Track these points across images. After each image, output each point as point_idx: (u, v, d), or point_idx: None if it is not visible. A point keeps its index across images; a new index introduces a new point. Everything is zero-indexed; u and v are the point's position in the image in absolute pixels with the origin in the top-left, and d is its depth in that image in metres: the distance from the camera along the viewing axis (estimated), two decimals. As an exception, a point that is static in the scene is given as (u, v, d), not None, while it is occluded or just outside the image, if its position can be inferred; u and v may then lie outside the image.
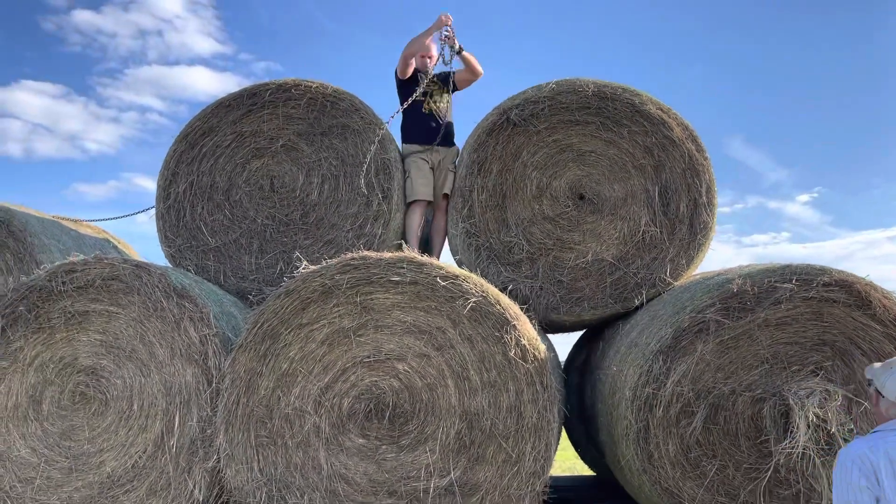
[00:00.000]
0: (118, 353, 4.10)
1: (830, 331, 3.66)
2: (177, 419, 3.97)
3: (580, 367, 5.30)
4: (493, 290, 3.82)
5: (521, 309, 4.56)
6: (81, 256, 4.20)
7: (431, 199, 5.16)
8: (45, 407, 4.12)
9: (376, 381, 3.86)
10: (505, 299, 3.84)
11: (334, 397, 3.89)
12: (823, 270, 3.68)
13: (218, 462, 3.88)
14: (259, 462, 3.88)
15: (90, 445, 4.06)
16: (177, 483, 3.92)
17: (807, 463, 3.53)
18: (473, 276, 3.86)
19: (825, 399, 3.53)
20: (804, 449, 3.48)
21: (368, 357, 3.87)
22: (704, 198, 4.62)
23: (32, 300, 4.11)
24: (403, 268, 3.83)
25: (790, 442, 3.47)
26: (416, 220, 5.12)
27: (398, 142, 5.41)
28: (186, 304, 4.09)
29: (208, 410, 3.96)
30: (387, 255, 3.88)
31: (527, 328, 3.77)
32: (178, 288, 4.11)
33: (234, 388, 3.91)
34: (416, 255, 3.87)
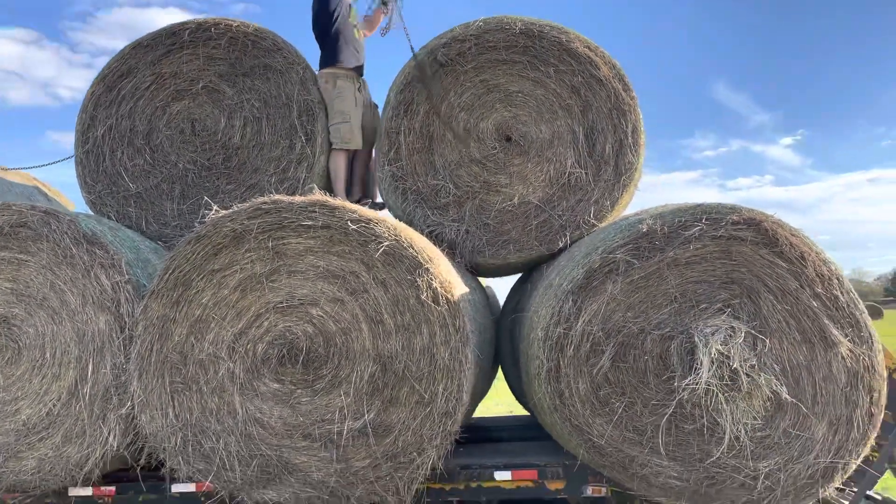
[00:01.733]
0: (29, 302, 4.09)
1: (739, 269, 3.74)
2: (90, 367, 3.99)
3: (513, 309, 5.38)
4: (406, 233, 3.84)
5: (447, 253, 4.63)
6: (-12, 204, 4.14)
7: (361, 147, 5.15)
8: (-43, 357, 4.11)
9: (290, 326, 3.89)
10: (419, 242, 3.86)
11: (248, 343, 3.92)
12: (734, 209, 3.74)
13: (132, 409, 3.93)
14: (174, 408, 3.92)
15: (5, 394, 4.08)
16: (91, 430, 3.96)
17: (711, 398, 3.66)
18: (387, 219, 3.87)
19: (730, 336, 3.63)
20: (707, 385, 3.60)
21: (282, 302, 3.89)
22: (630, 138, 4.64)
23: (-62, 249, 4.06)
24: (315, 212, 3.82)
25: (693, 378, 3.59)
26: (343, 164, 5.09)
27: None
28: (97, 250, 4.07)
29: (122, 358, 3.98)
30: (298, 198, 3.87)
31: (440, 271, 3.80)
32: (88, 235, 4.08)
33: (147, 334, 3.93)
34: (329, 199, 3.86)
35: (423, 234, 4.66)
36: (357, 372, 3.83)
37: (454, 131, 4.59)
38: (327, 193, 3.93)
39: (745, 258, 3.73)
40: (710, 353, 3.57)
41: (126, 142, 5.02)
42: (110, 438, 3.94)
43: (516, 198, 4.73)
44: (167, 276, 3.91)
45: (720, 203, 3.79)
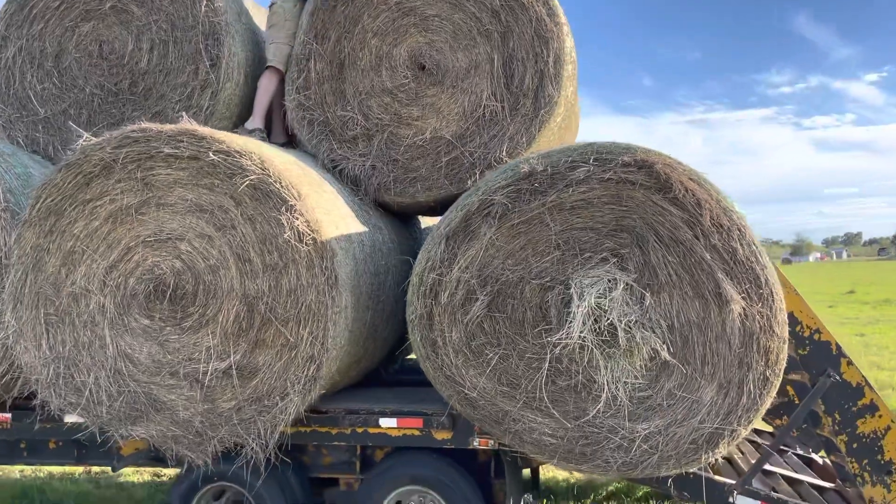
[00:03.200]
0: None
1: (630, 216, 3.46)
2: (-33, 295, 3.97)
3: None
4: (276, 168, 3.65)
5: (353, 189, 4.45)
6: None
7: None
8: None
9: (158, 261, 3.79)
10: (290, 177, 3.68)
11: (119, 277, 3.85)
12: (627, 149, 3.43)
13: (7, 339, 3.92)
14: (48, 339, 3.91)
15: None
16: (-32, 359, 3.98)
17: (587, 354, 3.46)
18: (258, 151, 3.68)
19: (609, 288, 3.39)
20: (582, 340, 3.39)
21: (151, 236, 3.79)
22: (552, 69, 4.30)
23: None
24: (183, 141, 3.67)
25: (565, 332, 3.38)
26: (275, 83, 4.84)
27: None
28: (-25, 177, 4.01)
29: (-1, 287, 3.96)
30: (167, 127, 3.71)
31: (309, 208, 3.62)
32: (-33, 160, 4.02)
33: (21, 264, 3.89)
34: (197, 128, 3.69)
35: (326, 168, 4.49)
36: (224, 311, 3.73)
37: None
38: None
39: (636, 204, 3.44)
40: (584, 307, 3.34)
41: (36, 64, 4.90)
42: (-15, 368, 3.95)
43: (428, 132, 4.47)
44: (38, 204, 3.84)
45: (613, 142, 3.48)
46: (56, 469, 6.51)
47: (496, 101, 4.38)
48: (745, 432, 3.46)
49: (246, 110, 4.94)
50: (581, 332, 3.37)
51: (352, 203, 4.30)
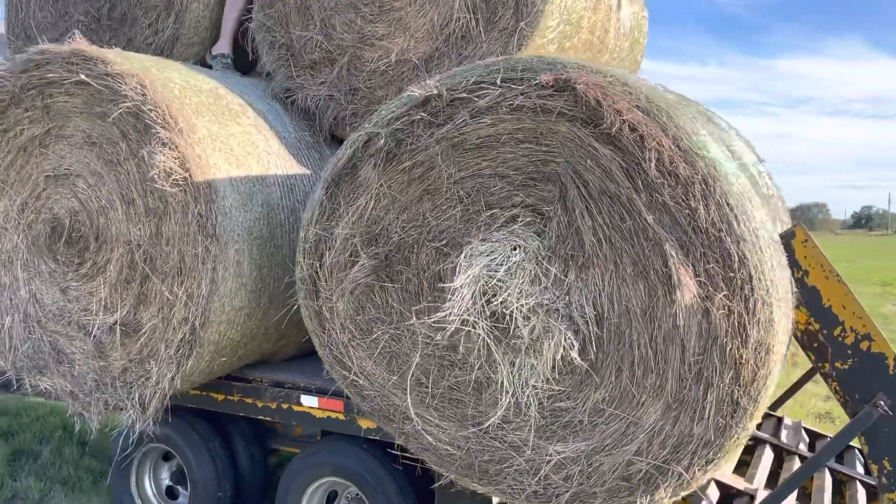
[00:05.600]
0: None
1: (553, 159, 2.55)
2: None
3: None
4: (159, 95, 3.19)
5: (305, 124, 3.94)
6: None
7: None
8: None
9: (59, 199, 3.55)
10: (178, 107, 3.20)
11: (30, 214, 3.67)
12: (552, 65, 2.50)
13: (-57, 275, 3.93)
14: (-23, 278, 3.86)
15: None
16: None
17: (482, 345, 2.66)
18: (141, 74, 3.24)
19: (508, 258, 2.55)
20: (473, 326, 2.61)
21: (53, 171, 3.55)
22: (537, -33, 3.38)
23: None
24: (75, 64, 3.34)
25: (445, 313, 2.60)
26: (237, 4, 4.40)
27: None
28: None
29: (-61, 221, 3.96)
30: (63, 48, 3.40)
31: (187, 143, 3.13)
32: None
33: (-47, 198, 3.85)
34: (87, 48, 3.33)
35: (277, 99, 3.98)
36: (113, 261, 3.40)
37: None
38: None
39: (561, 141, 2.53)
40: (467, 282, 2.54)
41: (38, -9, 4.88)
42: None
43: (394, 54, 3.76)
44: (-35, 135, 3.75)
45: (538, 56, 2.57)
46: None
47: (469, 13, 3.55)
48: (702, 478, 2.48)
49: (225, 35, 4.54)
50: (468, 313, 2.58)
51: (296, 141, 3.75)
